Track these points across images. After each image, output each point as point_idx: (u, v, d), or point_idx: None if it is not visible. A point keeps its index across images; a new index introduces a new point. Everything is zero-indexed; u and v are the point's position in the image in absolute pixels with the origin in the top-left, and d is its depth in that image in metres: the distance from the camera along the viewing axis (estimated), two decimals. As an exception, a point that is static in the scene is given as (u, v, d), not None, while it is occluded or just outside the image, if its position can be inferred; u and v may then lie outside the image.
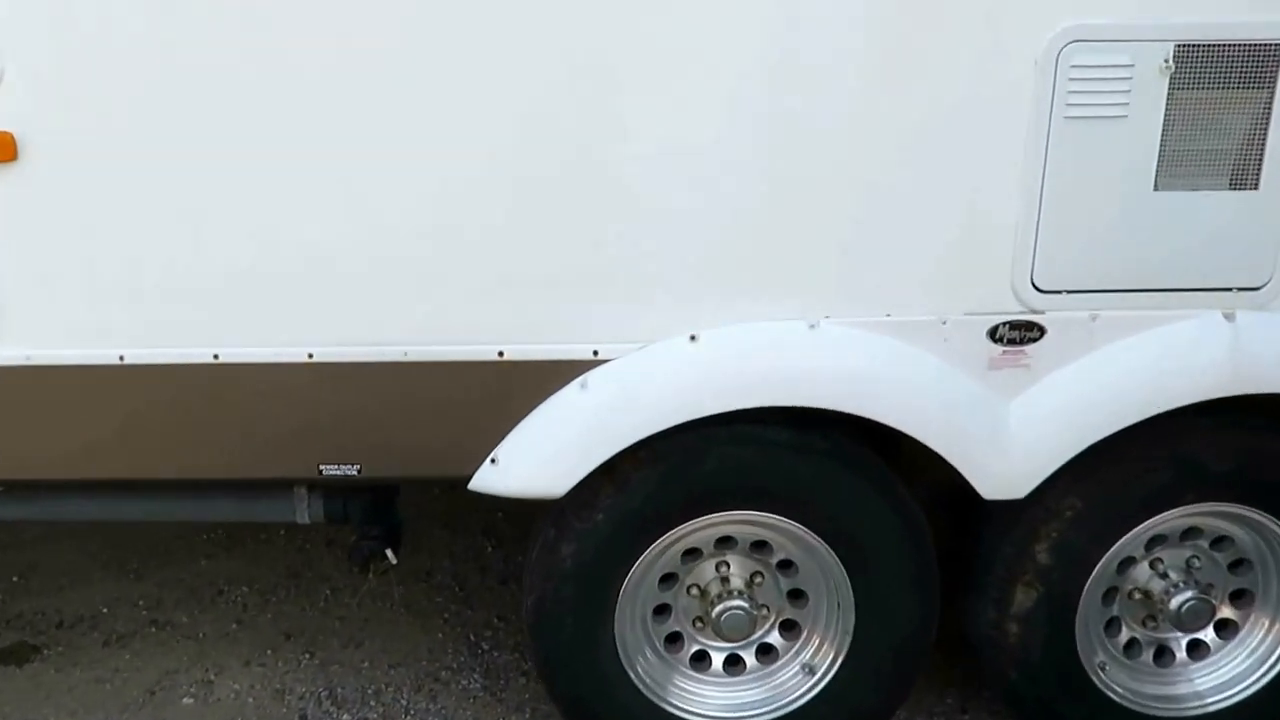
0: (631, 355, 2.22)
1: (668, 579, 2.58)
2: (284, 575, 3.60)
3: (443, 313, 2.19)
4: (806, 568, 2.55)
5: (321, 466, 2.28)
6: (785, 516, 2.43)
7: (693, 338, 2.22)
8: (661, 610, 2.62)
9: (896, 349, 2.25)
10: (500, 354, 2.21)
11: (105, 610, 3.43)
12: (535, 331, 2.21)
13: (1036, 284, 2.21)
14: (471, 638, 3.29)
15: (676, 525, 2.42)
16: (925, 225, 2.17)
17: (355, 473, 2.28)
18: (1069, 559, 2.45)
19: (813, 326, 2.24)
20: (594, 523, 2.38)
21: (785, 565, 2.58)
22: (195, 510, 2.73)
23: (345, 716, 2.94)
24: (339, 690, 3.03)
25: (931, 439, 2.27)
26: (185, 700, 2.99)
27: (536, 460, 2.24)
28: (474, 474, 2.29)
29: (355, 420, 2.24)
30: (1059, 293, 2.22)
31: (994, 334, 2.24)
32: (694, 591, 2.59)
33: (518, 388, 2.23)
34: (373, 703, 2.99)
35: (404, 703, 2.99)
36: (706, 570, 2.59)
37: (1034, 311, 2.23)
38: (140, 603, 3.47)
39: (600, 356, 2.23)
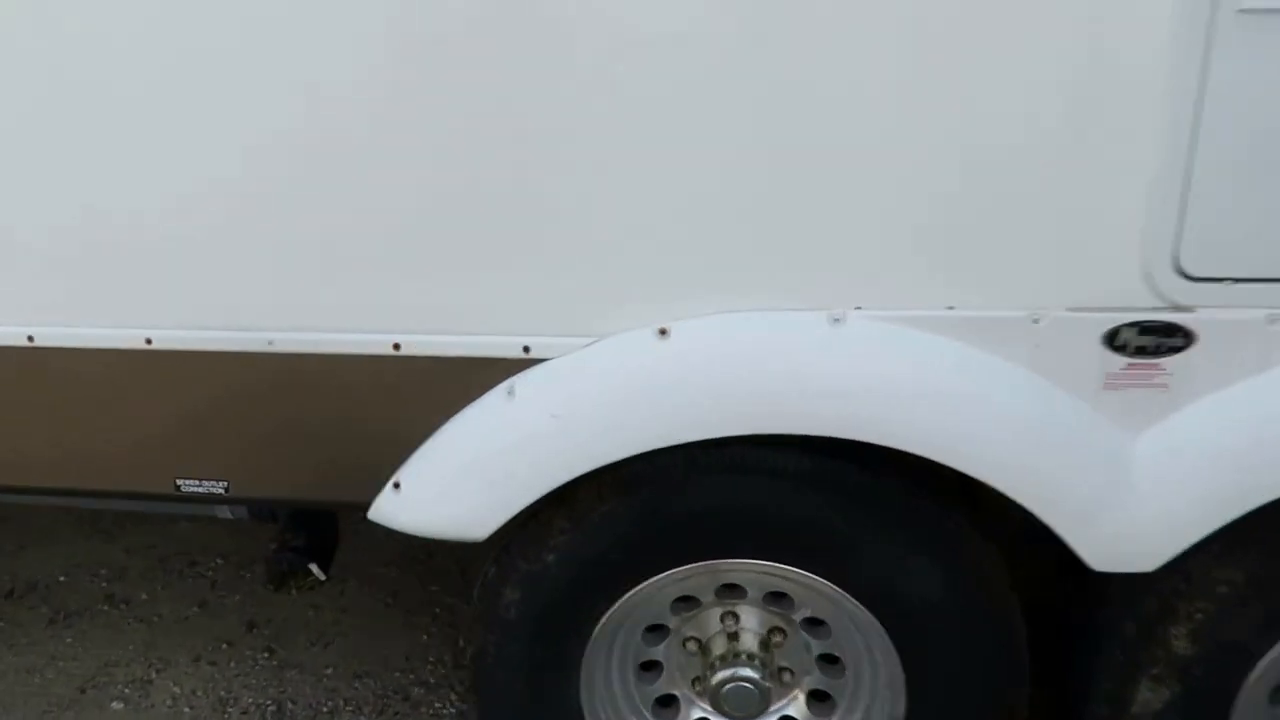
0: (575, 355, 1.58)
1: (657, 629, 1.98)
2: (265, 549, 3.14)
3: (316, 290, 1.58)
4: (841, 629, 1.90)
5: (179, 481, 1.73)
6: (806, 570, 1.77)
7: (662, 332, 1.55)
8: (652, 666, 2.03)
9: (963, 357, 1.53)
10: (396, 346, 1.60)
11: (62, 579, 3.06)
12: (443, 318, 1.59)
13: (1183, 268, 1.44)
14: (460, 643, 2.77)
15: (655, 574, 1.80)
16: (1008, 175, 1.43)
17: (223, 491, 1.73)
18: (1220, 650, 1.72)
19: (837, 320, 1.54)
20: (543, 564, 1.78)
21: (815, 622, 1.93)
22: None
23: (285, 743, 2.47)
24: (289, 705, 2.56)
25: (1014, 488, 1.56)
26: (115, 705, 2.58)
27: (447, 491, 1.64)
28: (372, 501, 1.70)
29: (214, 425, 1.68)
30: (1218, 281, 1.45)
31: (1114, 339, 1.50)
32: (692, 646, 1.98)
33: (422, 391, 1.62)
34: (322, 726, 2.51)
35: (359, 729, 2.50)
36: (709, 620, 1.97)
37: (1177, 308, 1.47)
38: (102, 572, 3.08)
39: (533, 354, 1.59)
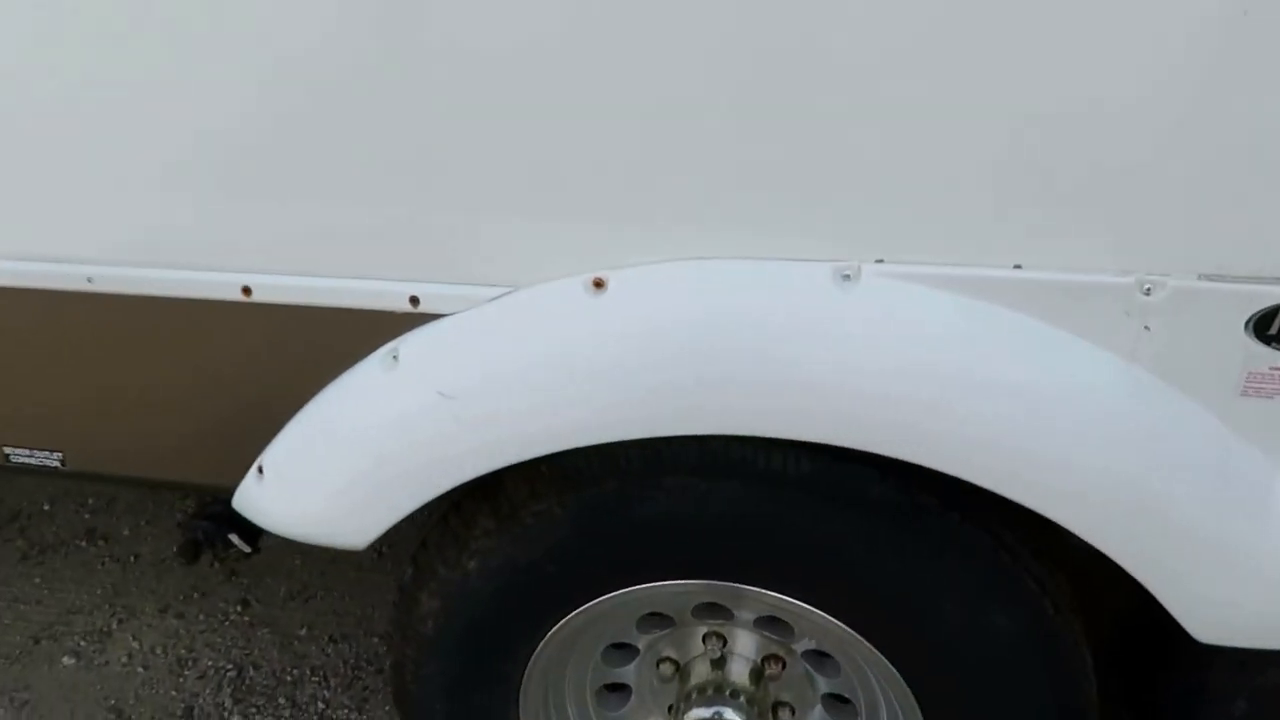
0: (476, 312, 1.14)
1: (623, 647, 1.57)
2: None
3: (141, 214, 1.18)
4: (852, 668, 1.46)
5: (7, 450, 1.38)
6: (806, 603, 1.33)
7: (597, 284, 1.10)
8: (621, 688, 1.63)
9: (1032, 339, 1.04)
10: (246, 290, 1.19)
11: (47, 508, 2.83)
12: (304, 256, 1.16)
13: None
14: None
15: (606, 592, 1.38)
16: (1099, 76, 0.91)
17: (58, 464, 1.37)
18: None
19: (847, 278, 1.06)
20: (464, 571, 1.37)
21: (820, 654, 1.49)
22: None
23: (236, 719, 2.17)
24: (250, 671, 2.27)
25: (1101, 533, 1.08)
26: (66, 660, 2.32)
27: (317, 486, 1.24)
28: (237, 486, 1.32)
29: (36, 382, 1.31)
30: None
31: (1265, 326, 0.98)
32: (667, 669, 1.57)
33: (283, 350, 1.21)
34: (282, 700, 2.21)
35: (320, 706, 2.19)
36: (689, 640, 1.55)
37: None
38: (89, 502, 2.83)
39: (423, 309, 1.16)
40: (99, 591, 2.52)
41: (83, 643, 2.37)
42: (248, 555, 1.84)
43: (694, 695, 1.52)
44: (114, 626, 2.41)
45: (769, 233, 1.05)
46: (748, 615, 1.47)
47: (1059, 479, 1.06)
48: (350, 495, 1.21)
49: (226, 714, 2.17)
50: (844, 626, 1.32)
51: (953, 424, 1.06)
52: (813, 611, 1.33)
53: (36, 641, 2.38)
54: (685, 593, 1.40)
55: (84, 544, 2.69)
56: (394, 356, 1.17)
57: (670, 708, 1.58)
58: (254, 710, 2.18)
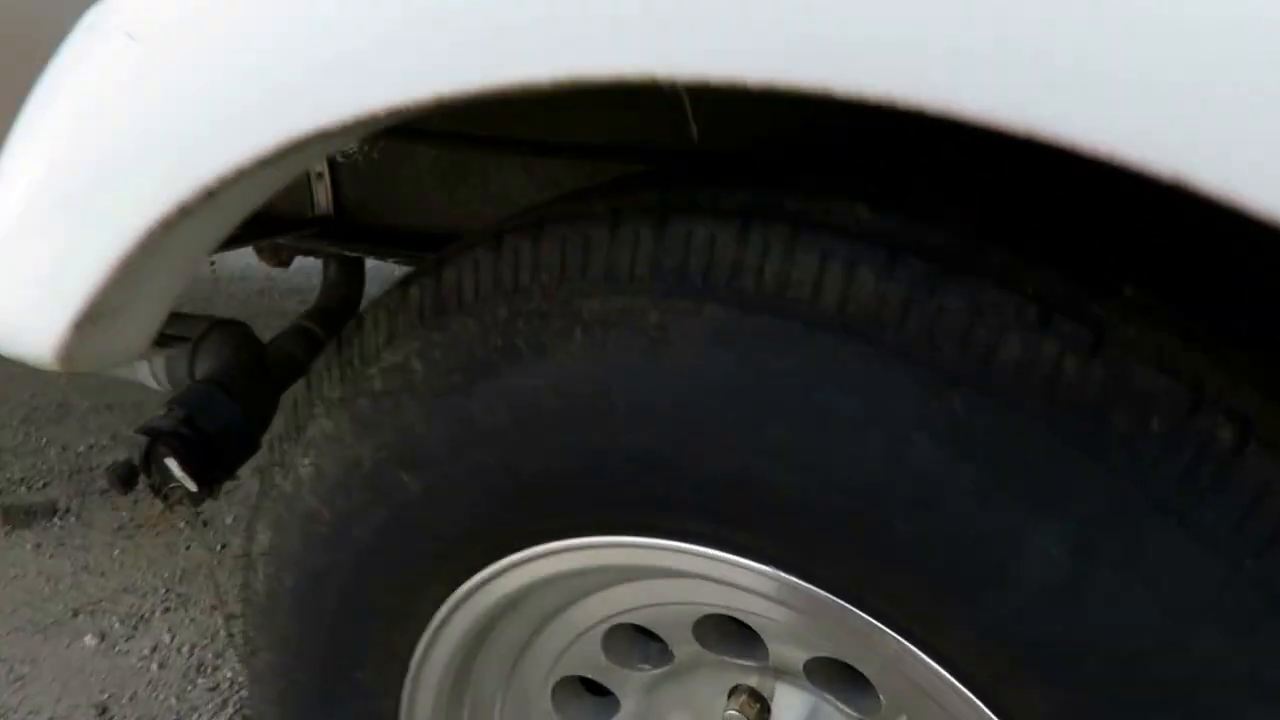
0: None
1: (599, 692, 0.91)
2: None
3: None
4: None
5: None
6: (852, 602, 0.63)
7: None
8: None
9: None
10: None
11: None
12: None
13: None
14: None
15: (524, 544, 0.75)
16: None
17: None
18: None
19: None
20: (298, 481, 0.81)
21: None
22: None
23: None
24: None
25: None
26: (89, 639, 1.96)
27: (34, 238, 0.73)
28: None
29: None
30: None
31: None
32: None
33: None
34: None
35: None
36: (705, 698, 0.87)
37: None
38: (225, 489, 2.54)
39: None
40: (166, 575, 2.17)
41: (117, 625, 2.01)
42: (195, 498, 1.37)
43: None
44: (156, 614, 2.04)
45: None
46: (796, 654, 0.78)
47: None
48: (79, 257, 0.69)
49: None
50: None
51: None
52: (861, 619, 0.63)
53: (75, 615, 2.04)
54: (657, 567, 0.74)
55: (184, 525, 2.38)
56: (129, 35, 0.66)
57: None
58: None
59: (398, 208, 1.36)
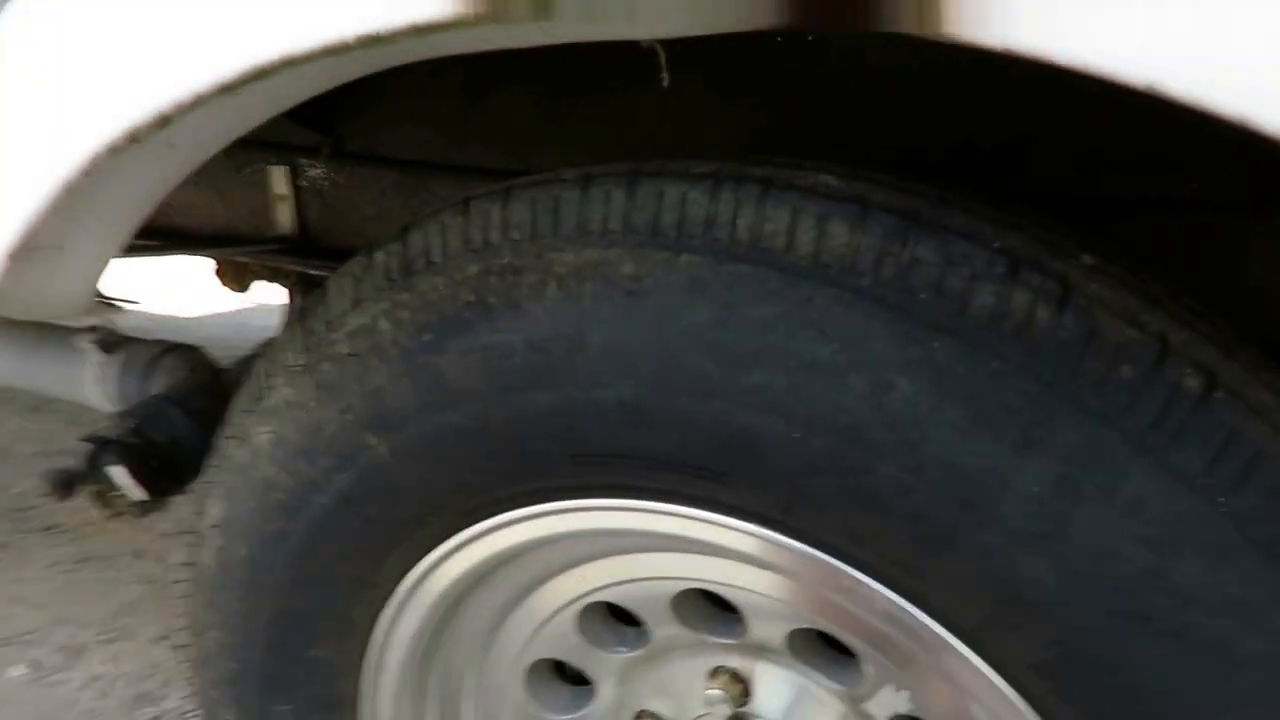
0: None
1: (577, 681, 0.89)
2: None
3: None
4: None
5: None
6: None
7: None
8: None
9: None
10: None
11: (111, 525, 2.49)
12: None
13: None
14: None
15: (489, 513, 0.74)
16: None
17: None
18: None
19: None
20: (254, 451, 0.78)
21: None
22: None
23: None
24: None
25: None
26: (16, 670, 1.89)
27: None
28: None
29: None
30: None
31: None
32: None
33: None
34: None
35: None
36: (683, 682, 0.85)
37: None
38: (163, 525, 2.47)
39: None
40: (107, 607, 2.10)
41: (51, 656, 1.93)
42: (141, 508, 1.33)
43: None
44: (94, 644, 1.96)
45: None
46: (777, 628, 0.76)
47: None
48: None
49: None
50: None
51: None
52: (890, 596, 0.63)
53: (4, 645, 1.96)
54: (631, 537, 0.73)
55: (129, 558, 2.31)
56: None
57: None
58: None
59: (361, 230, 1.36)
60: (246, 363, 1.49)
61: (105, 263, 0.71)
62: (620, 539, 0.74)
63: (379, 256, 0.75)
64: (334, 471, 0.74)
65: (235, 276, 1.68)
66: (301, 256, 1.42)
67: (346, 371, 0.73)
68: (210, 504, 0.82)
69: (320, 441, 0.74)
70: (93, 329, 1.34)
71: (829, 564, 0.65)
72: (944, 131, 0.88)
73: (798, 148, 0.98)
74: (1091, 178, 0.85)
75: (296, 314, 0.79)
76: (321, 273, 1.43)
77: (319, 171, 1.33)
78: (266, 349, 0.83)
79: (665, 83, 0.58)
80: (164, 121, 0.57)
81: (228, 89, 0.55)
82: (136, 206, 0.68)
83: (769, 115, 0.96)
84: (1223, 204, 0.79)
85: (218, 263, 1.60)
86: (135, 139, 0.57)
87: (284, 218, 1.40)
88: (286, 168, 1.24)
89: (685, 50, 0.61)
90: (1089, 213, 0.86)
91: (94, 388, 1.45)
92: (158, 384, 1.40)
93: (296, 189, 1.37)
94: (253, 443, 0.78)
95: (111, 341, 1.38)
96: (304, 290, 1.58)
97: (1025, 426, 0.58)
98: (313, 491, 0.76)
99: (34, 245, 0.63)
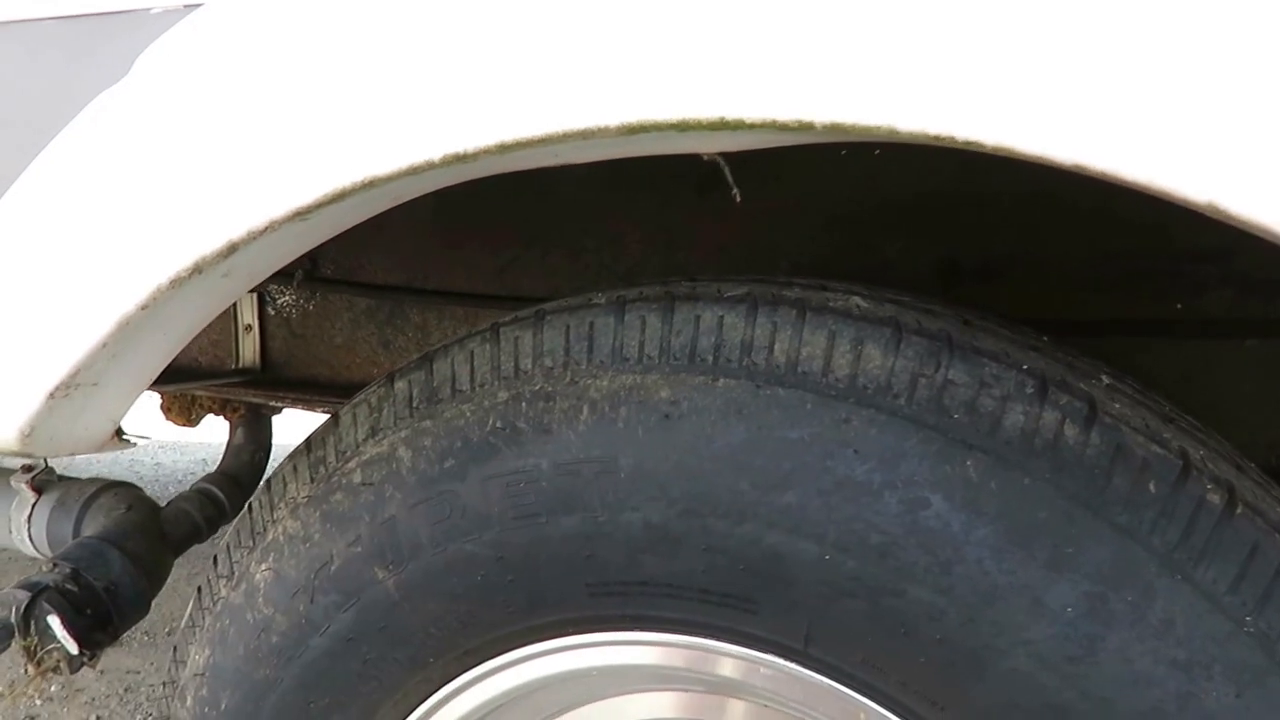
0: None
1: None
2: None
3: None
4: None
5: None
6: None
7: None
8: None
9: None
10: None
11: None
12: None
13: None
14: None
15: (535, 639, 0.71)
16: None
17: None
18: None
19: None
20: (252, 587, 0.74)
21: None
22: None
23: None
24: None
25: None
26: None
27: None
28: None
29: None
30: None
31: None
32: None
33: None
34: None
35: None
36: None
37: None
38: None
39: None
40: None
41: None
42: (73, 662, 1.23)
43: None
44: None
45: None
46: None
47: None
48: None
49: None
50: None
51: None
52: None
53: None
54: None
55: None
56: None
57: None
58: None
59: (328, 359, 1.34)
60: (188, 499, 1.42)
61: (134, 399, 0.68)
62: (621, 677, 0.72)
63: (399, 385, 0.74)
64: (335, 610, 0.70)
65: (183, 411, 1.62)
66: (265, 389, 1.39)
67: (359, 501, 0.71)
68: (194, 651, 0.77)
69: (324, 578, 0.71)
70: (28, 469, 1.28)
71: (846, 695, 0.64)
72: (929, 248, 0.93)
73: (765, 263, 1.02)
74: (1075, 298, 0.90)
75: (303, 447, 0.77)
76: (282, 405, 1.39)
77: (289, 298, 1.32)
78: (266, 484, 0.80)
79: (737, 198, 0.60)
80: (231, 250, 0.56)
81: (302, 214, 0.55)
82: (176, 341, 0.66)
83: (739, 229, 1.00)
84: (1202, 325, 0.85)
85: (163, 397, 1.55)
86: (199, 270, 0.56)
87: (248, 349, 1.38)
88: (254, 296, 1.23)
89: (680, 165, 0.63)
90: (1068, 331, 0.91)
91: (19, 528, 1.37)
92: (93, 523, 1.33)
93: (262, 318, 1.35)
94: (248, 582, 0.74)
95: (46, 480, 1.31)
96: (251, 422, 1.54)
97: (1056, 544, 0.59)
98: (310, 633, 0.72)
99: (74, 383, 0.60)
